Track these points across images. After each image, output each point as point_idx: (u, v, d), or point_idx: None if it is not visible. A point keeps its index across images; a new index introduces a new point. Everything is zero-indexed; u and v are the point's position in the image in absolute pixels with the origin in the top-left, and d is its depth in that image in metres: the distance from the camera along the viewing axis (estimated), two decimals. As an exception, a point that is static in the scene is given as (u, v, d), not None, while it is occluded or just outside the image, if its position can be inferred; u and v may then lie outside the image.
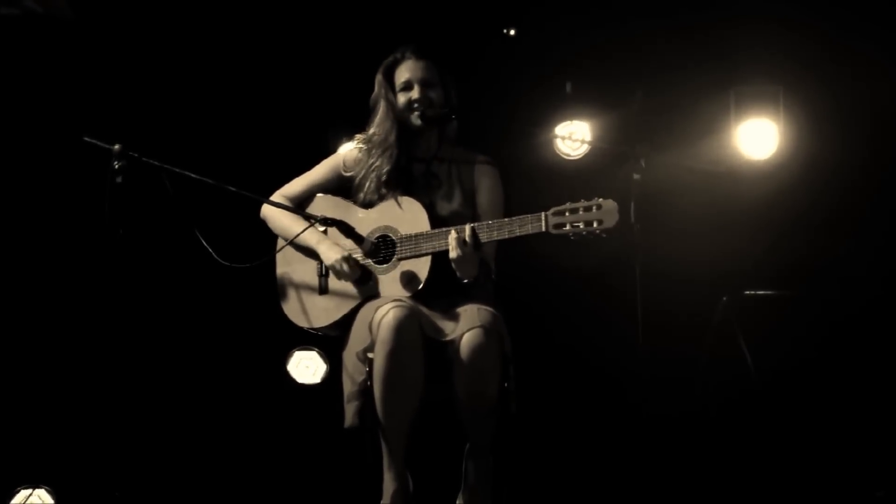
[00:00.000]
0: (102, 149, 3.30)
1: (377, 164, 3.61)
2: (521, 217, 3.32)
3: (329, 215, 3.52)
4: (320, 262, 3.61)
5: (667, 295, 4.33)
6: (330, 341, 3.72)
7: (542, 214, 3.29)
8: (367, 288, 3.51)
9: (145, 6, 4.77)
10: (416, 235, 3.46)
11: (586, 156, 4.92)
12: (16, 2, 4.29)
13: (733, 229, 4.83)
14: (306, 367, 5.00)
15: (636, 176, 3.67)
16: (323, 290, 3.60)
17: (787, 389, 4.75)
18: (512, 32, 5.07)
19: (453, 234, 3.33)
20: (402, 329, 3.28)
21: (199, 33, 4.86)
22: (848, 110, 4.83)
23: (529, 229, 3.30)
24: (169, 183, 3.34)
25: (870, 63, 4.78)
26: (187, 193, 3.42)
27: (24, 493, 4.53)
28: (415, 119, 3.60)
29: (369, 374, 3.38)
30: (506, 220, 3.35)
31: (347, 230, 3.46)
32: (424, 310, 3.39)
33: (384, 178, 3.57)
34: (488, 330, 3.30)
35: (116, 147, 3.29)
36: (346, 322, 3.54)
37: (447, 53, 3.68)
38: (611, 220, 3.22)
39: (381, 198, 3.57)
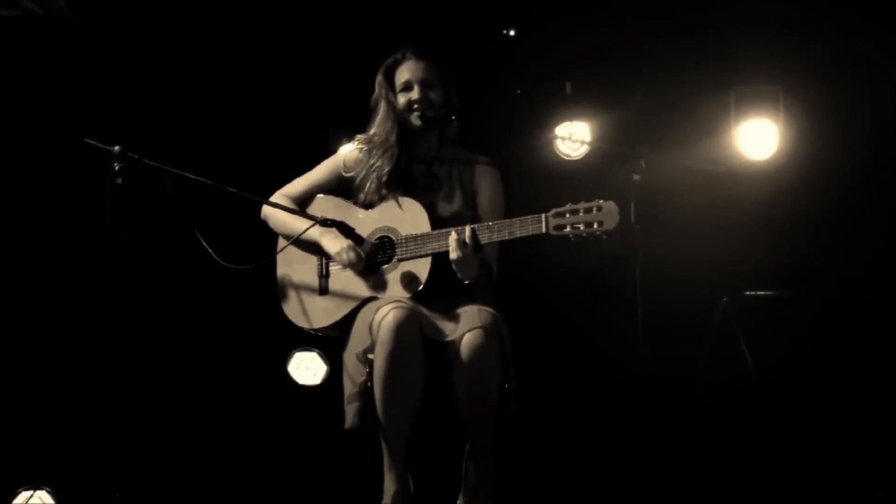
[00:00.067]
0: (103, 150, 3.30)
1: (378, 164, 3.61)
2: (521, 218, 3.32)
3: (329, 216, 3.52)
4: (321, 261, 3.61)
5: (667, 295, 4.33)
6: (330, 342, 3.73)
7: (543, 216, 3.29)
8: (374, 280, 3.50)
9: (145, 7, 4.77)
10: (417, 236, 3.46)
11: (586, 156, 4.93)
12: (16, 3, 4.29)
13: (733, 229, 4.84)
14: (307, 368, 5.00)
15: (636, 176, 3.67)
16: (323, 290, 3.60)
17: (787, 389, 4.75)
18: (512, 33, 5.07)
19: (453, 236, 3.33)
20: (403, 330, 3.28)
21: (199, 34, 4.86)
22: (848, 110, 4.83)
23: (530, 230, 3.30)
24: (169, 184, 3.34)
25: (870, 63, 4.78)
26: (187, 194, 3.42)
27: (25, 494, 4.53)
28: (415, 120, 3.60)
29: (370, 375, 3.38)
30: (506, 221, 3.35)
31: (347, 231, 3.46)
32: (425, 310, 3.39)
33: (385, 178, 3.58)
34: (488, 330, 3.30)
35: (116, 148, 3.29)
36: (346, 323, 3.54)
37: (447, 54, 3.68)
38: (611, 222, 3.22)
39: (382, 198, 3.57)
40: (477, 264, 3.36)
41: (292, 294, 3.66)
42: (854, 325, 4.75)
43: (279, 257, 3.69)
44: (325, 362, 4.98)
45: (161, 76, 4.86)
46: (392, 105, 3.63)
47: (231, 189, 3.44)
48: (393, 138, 3.61)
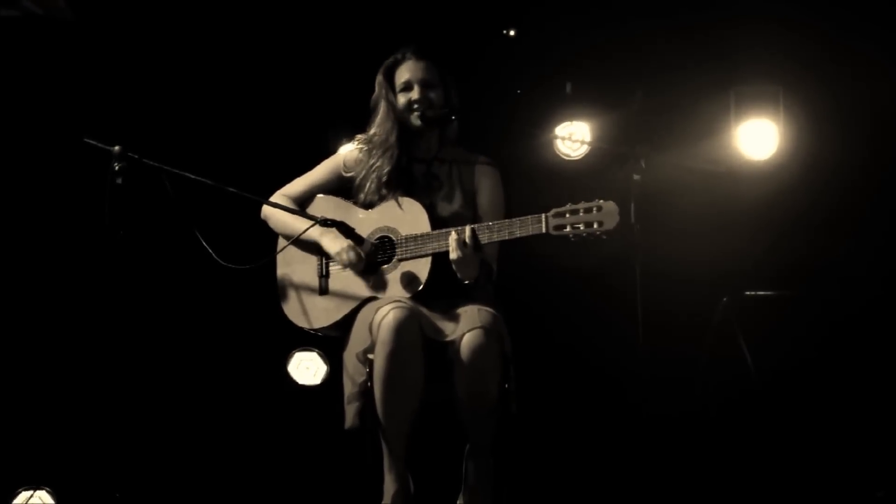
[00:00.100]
0: (103, 150, 3.30)
1: (378, 164, 3.61)
2: (521, 218, 3.32)
3: (329, 216, 3.52)
4: (321, 261, 3.61)
5: (667, 295, 4.33)
6: (330, 342, 3.73)
7: (543, 216, 3.29)
8: (374, 280, 3.51)
9: (145, 7, 4.77)
10: (417, 236, 3.46)
11: (586, 156, 4.93)
12: (15, 3, 4.29)
13: (733, 229, 4.84)
14: (307, 368, 5.00)
15: (636, 176, 3.67)
16: (323, 290, 3.60)
17: (787, 389, 4.75)
18: (512, 33, 5.07)
19: (453, 236, 3.33)
20: (403, 330, 3.28)
21: (199, 34, 4.86)
22: (848, 110, 4.83)
23: (530, 230, 3.30)
24: (169, 184, 3.34)
25: (870, 63, 4.78)
26: (187, 195, 3.42)
27: (25, 494, 4.53)
28: (415, 120, 3.60)
29: (370, 375, 3.38)
30: (506, 221, 3.35)
31: (347, 231, 3.46)
32: (424, 310, 3.38)
33: (385, 178, 3.58)
34: (488, 330, 3.30)
35: (117, 148, 3.29)
36: (346, 323, 3.54)
37: (447, 54, 3.68)
38: (611, 222, 3.22)
39: (382, 198, 3.57)
40: (477, 264, 3.36)
41: (292, 294, 3.66)
42: (854, 325, 4.75)
43: (279, 257, 3.69)
44: (325, 362, 4.98)
45: (161, 76, 4.86)
46: (392, 105, 3.63)
47: (231, 189, 3.44)
48: (393, 138, 3.61)
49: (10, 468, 4.62)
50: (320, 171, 3.73)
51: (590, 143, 4.88)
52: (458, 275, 3.36)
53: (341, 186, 3.69)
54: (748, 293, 4.85)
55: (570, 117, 4.91)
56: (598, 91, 4.96)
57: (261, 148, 4.93)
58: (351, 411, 3.43)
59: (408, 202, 3.52)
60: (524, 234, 3.31)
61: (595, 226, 3.24)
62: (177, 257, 4.65)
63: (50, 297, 4.76)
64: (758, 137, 4.86)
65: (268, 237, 3.73)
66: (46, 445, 4.69)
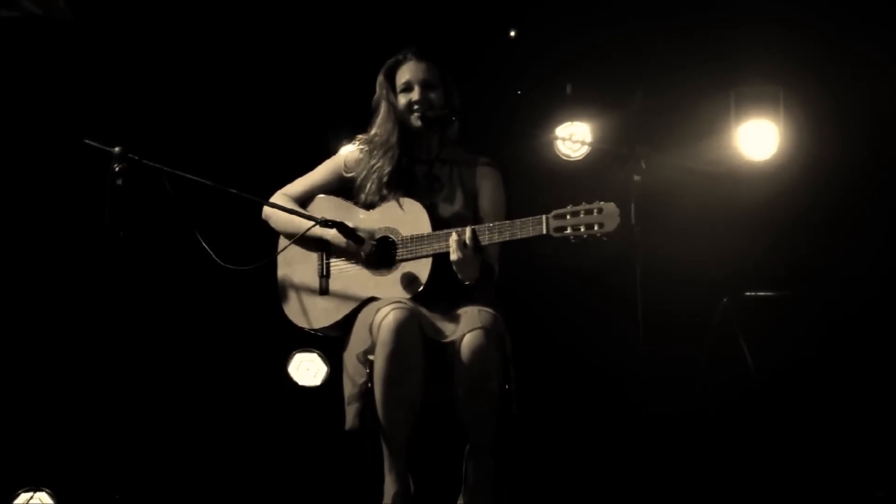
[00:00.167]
0: (103, 151, 3.30)
1: (378, 165, 3.61)
2: (521, 220, 3.32)
3: (330, 216, 3.52)
4: (322, 261, 3.62)
5: (667, 295, 4.33)
6: (330, 343, 3.73)
7: (543, 217, 3.29)
8: (375, 280, 3.50)
9: (145, 8, 4.77)
10: (417, 237, 3.46)
11: (586, 157, 4.92)
12: (16, 4, 4.29)
13: (733, 230, 4.83)
14: (307, 369, 5.00)
15: (636, 177, 3.67)
16: (323, 290, 3.61)
17: (787, 390, 4.75)
18: (512, 33, 5.07)
19: (454, 237, 3.33)
20: (403, 331, 3.28)
21: (199, 35, 4.86)
22: (848, 111, 4.83)
23: (530, 232, 3.30)
24: (169, 185, 3.34)
25: (870, 63, 4.77)
26: (188, 196, 3.42)
27: (25, 495, 4.53)
28: (415, 121, 3.60)
29: (370, 376, 3.38)
30: (506, 222, 3.35)
31: (348, 231, 3.46)
32: (425, 311, 3.39)
33: (385, 179, 3.58)
34: (489, 331, 3.30)
35: (117, 149, 3.29)
36: (346, 323, 3.54)
37: (448, 55, 3.68)
38: (612, 224, 3.23)
39: (383, 199, 3.58)
40: (477, 265, 3.36)
41: (293, 294, 3.66)
42: (854, 325, 4.75)
43: (280, 257, 3.69)
44: (326, 363, 4.98)
45: (161, 77, 4.86)
46: (393, 106, 3.63)
47: (231, 190, 3.44)
48: (394, 139, 3.61)
49: (10, 469, 4.62)
50: (321, 172, 3.73)
51: (590, 144, 4.88)
52: (459, 276, 3.37)
53: (342, 187, 3.69)
54: (748, 293, 4.85)
55: (571, 118, 4.91)
56: (598, 91, 4.96)
57: (261, 149, 4.93)
58: (351, 412, 3.43)
59: (409, 203, 3.52)
60: (525, 236, 3.31)
61: (596, 228, 3.24)
62: (177, 258, 4.65)
63: (50, 297, 4.76)
64: (758, 138, 4.86)
65: (268, 238, 3.73)
66: (46, 446, 4.69)
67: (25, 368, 4.72)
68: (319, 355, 4.99)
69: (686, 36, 4.94)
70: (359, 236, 3.47)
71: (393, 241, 3.51)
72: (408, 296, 3.43)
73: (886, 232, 4.81)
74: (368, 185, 3.61)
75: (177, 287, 4.88)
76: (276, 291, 3.70)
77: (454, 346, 3.31)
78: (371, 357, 3.36)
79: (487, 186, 3.64)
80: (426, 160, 3.66)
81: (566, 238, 3.27)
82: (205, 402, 4.91)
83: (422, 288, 3.43)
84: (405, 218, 3.51)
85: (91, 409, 4.55)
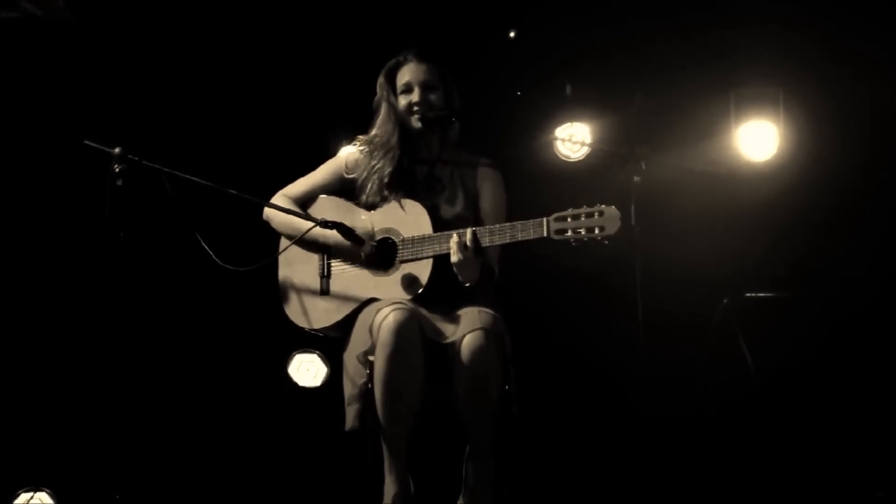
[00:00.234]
0: (103, 152, 3.30)
1: (379, 166, 3.61)
2: (522, 222, 3.32)
3: (331, 217, 3.53)
4: (323, 261, 3.62)
5: (667, 296, 4.33)
6: (331, 344, 3.73)
7: (544, 220, 3.29)
8: (375, 281, 3.50)
9: (145, 8, 4.76)
10: (418, 238, 3.46)
11: (586, 158, 4.92)
12: (15, 4, 4.29)
13: (733, 230, 4.83)
14: (307, 369, 5.00)
15: (636, 178, 3.67)
16: (324, 291, 3.61)
17: (787, 390, 4.75)
18: (512, 34, 5.07)
19: (454, 238, 3.33)
20: (403, 331, 3.28)
21: (199, 36, 4.86)
22: (848, 111, 4.82)
23: (531, 234, 3.30)
24: (169, 186, 3.34)
25: (870, 64, 4.77)
26: (188, 196, 3.42)
27: (25, 495, 4.53)
28: (415, 122, 3.60)
29: (370, 377, 3.38)
30: (507, 224, 3.35)
31: (347, 232, 3.46)
32: (425, 312, 3.39)
33: (386, 180, 3.58)
34: (489, 332, 3.30)
35: (117, 150, 3.30)
36: (346, 323, 3.55)
37: (448, 55, 3.68)
38: (612, 227, 3.23)
39: (384, 200, 3.58)
40: (478, 267, 3.36)
41: (293, 294, 3.66)
42: (854, 325, 4.75)
43: (281, 258, 3.69)
44: (326, 364, 4.98)
45: (161, 78, 4.86)
46: (393, 107, 3.63)
47: (231, 191, 3.44)
48: (394, 140, 3.61)
49: (10, 469, 4.62)
50: (322, 173, 3.73)
51: (590, 145, 4.88)
52: (459, 277, 3.37)
53: (343, 188, 3.70)
54: (748, 294, 4.85)
55: (570, 119, 4.91)
56: (598, 92, 4.95)
57: (261, 149, 4.93)
58: (351, 413, 3.43)
59: (410, 204, 3.53)
60: (525, 238, 3.32)
61: (596, 231, 3.24)
62: (177, 259, 4.65)
63: (50, 298, 4.76)
64: (758, 139, 4.86)
65: (268, 239, 3.73)
66: (46, 446, 4.69)
67: (25, 368, 4.72)
68: (319, 356, 4.99)
69: (686, 36, 4.93)
70: (359, 237, 3.48)
71: (393, 242, 3.51)
72: (408, 297, 3.43)
73: (886, 232, 4.81)
74: (369, 186, 3.61)
75: (177, 288, 4.88)
76: (277, 292, 3.71)
77: (454, 346, 3.32)
78: (371, 358, 3.36)
79: (488, 188, 3.64)
80: (427, 161, 3.67)
81: (567, 241, 3.27)
82: (205, 402, 4.91)
83: (422, 289, 3.43)
84: (406, 219, 3.51)
85: (91, 409, 4.54)
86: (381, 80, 3.66)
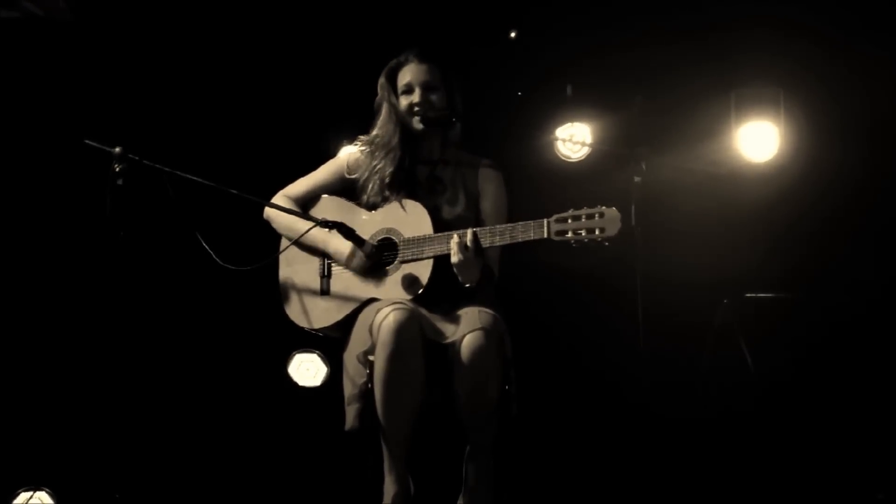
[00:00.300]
0: (103, 151, 3.30)
1: (380, 166, 3.61)
2: (523, 223, 3.32)
3: (333, 216, 3.52)
4: (323, 261, 3.62)
5: (668, 296, 4.32)
6: (331, 343, 3.73)
7: (545, 221, 3.29)
8: (375, 281, 3.51)
9: (145, 8, 4.76)
10: (419, 239, 3.46)
11: (587, 158, 4.92)
12: (16, 4, 4.29)
13: (734, 232, 4.83)
14: (307, 369, 5.00)
15: (637, 178, 3.66)
16: (324, 291, 3.61)
17: (788, 391, 4.75)
18: (512, 35, 5.07)
19: (455, 239, 3.33)
20: (403, 331, 3.28)
21: (199, 36, 4.86)
22: (848, 112, 4.82)
23: (531, 235, 3.30)
24: (170, 185, 3.34)
25: (870, 64, 4.77)
26: (188, 196, 3.42)
27: (24, 494, 4.53)
28: (416, 124, 3.60)
29: (370, 377, 3.38)
30: (508, 225, 3.35)
31: (348, 232, 3.46)
32: (425, 312, 3.39)
33: (388, 180, 3.58)
34: (489, 332, 3.30)
35: (117, 150, 3.29)
36: (346, 323, 3.55)
37: (449, 56, 3.68)
38: (613, 229, 3.23)
39: (385, 200, 3.58)
40: (478, 268, 3.36)
41: (294, 294, 3.66)
42: (855, 326, 4.74)
43: (281, 258, 3.69)
44: (326, 364, 4.98)
45: (162, 77, 4.86)
46: (394, 107, 3.63)
47: (232, 190, 3.44)
48: (395, 140, 3.61)
49: (10, 468, 4.62)
50: (322, 173, 3.73)
51: (590, 145, 4.88)
52: (459, 278, 3.37)
53: (344, 188, 3.69)
54: (749, 295, 4.85)
55: (571, 119, 4.92)
56: (598, 93, 4.96)
57: (261, 149, 4.93)
58: (351, 413, 3.43)
59: (411, 205, 3.53)
60: (525, 239, 3.31)
61: (597, 232, 3.24)
62: (177, 259, 4.65)
63: (51, 297, 4.76)
64: (758, 139, 4.85)
65: (269, 238, 3.73)
66: (46, 445, 4.69)
67: (26, 368, 4.72)
68: (319, 356, 4.99)
69: (686, 37, 4.93)
70: (359, 237, 3.47)
71: (394, 242, 3.51)
72: (408, 297, 3.43)
73: (887, 233, 4.80)
74: (370, 186, 3.61)
75: (177, 287, 4.88)
76: (277, 292, 3.71)
77: (454, 346, 3.32)
78: (371, 358, 3.36)
79: (490, 189, 3.64)
80: (428, 162, 3.66)
81: (567, 242, 3.27)
82: (205, 402, 4.91)
83: (422, 289, 3.43)
84: (407, 219, 3.51)
85: (91, 409, 4.54)
86: (382, 80, 3.66)
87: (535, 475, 4.65)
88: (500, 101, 4.99)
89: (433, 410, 3.40)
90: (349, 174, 3.69)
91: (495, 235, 3.34)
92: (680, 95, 4.92)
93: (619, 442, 4.64)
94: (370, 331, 3.36)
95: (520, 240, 3.32)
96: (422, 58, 3.61)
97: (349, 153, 3.76)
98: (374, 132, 3.67)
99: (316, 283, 3.63)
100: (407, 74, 3.61)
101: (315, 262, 3.64)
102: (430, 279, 3.42)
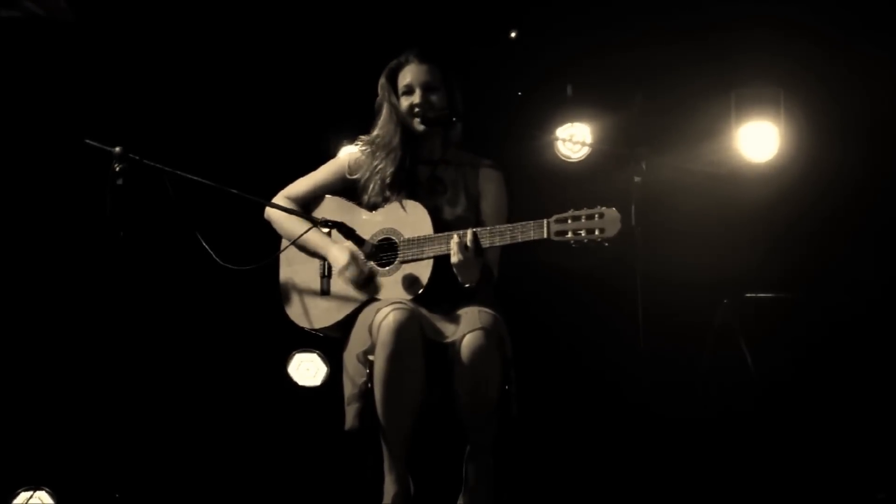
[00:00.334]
0: (103, 151, 3.30)
1: (381, 166, 3.61)
2: (522, 223, 3.32)
3: (333, 216, 3.52)
4: (324, 262, 3.62)
5: (668, 296, 4.32)
6: (330, 343, 3.73)
7: (544, 221, 3.29)
8: (369, 290, 3.52)
9: (146, 8, 4.77)
10: (419, 239, 3.46)
11: (587, 158, 4.92)
12: (16, 4, 4.29)
13: (734, 231, 4.83)
14: (307, 369, 5.00)
15: (637, 178, 3.66)
16: (325, 291, 3.61)
17: (788, 391, 4.75)
18: (513, 35, 5.07)
19: (455, 239, 3.33)
20: (403, 331, 3.28)
21: (200, 35, 4.86)
22: (848, 112, 4.82)
23: (531, 235, 3.30)
24: (170, 185, 3.34)
25: (870, 65, 4.77)
26: (188, 196, 3.42)
27: (24, 494, 4.54)
28: (417, 125, 3.59)
29: (370, 377, 3.38)
30: (507, 225, 3.35)
31: (348, 232, 3.46)
32: (425, 312, 3.39)
33: (388, 180, 3.58)
34: (489, 332, 3.30)
35: (117, 149, 3.29)
36: (347, 323, 3.55)
37: (449, 56, 3.68)
38: (613, 229, 3.23)
39: (386, 200, 3.58)
40: (478, 268, 3.36)
41: (294, 294, 3.66)
42: (855, 326, 4.75)
43: (282, 258, 3.70)
44: (326, 363, 4.98)
45: (162, 77, 4.86)
46: (395, 108, 3.63)
47: (232, 190, 3.44)
48: (396, 141, 3.61)
49: (10, 468, 4.62)
50: (323, 173, 3.73)
51: (590, 145, 4.88)
52: (459, 278, 3.37)
53: (345, 189, 3.69)
54: (749, 295, 4.85)
55: (571, 119, 4.92)
56: (598, 93, 4.96)
57: (261, 149, 4.93)
58: (351, 412, 3.43)
59: (412, 205, 3.53)
60: (525, 239, 3.31)
61: (597, 232, 3.24)
62: (178, 258, 4.65)
63: (51, 297, 4.76)
64: (758, 139, 4.86)
65: (269, 238, 3.73)
66: (46, 445, 4.69)
67: (26, 368, 4.72)
68: (319, 355, 5.00)
69: (686, 37, 4.93)
70: (359, 237, 3.47)
71: (394, 242, 3.52)
72: (408, 297, 3.43)
73: (887, 233, 4.80)
74: (371, 187, 3.61)
75: (177, 287, 4.88)
76: (277, 292, 3.71)
77: (454, 346, 3.32)
78: (371, 357, 3.36)
79: (491, 189, 3.64)
80: (429, 162, 3.66)
81: (567, 242, 3.27)
82: (205, 401, 4.91)
83: (422, 289, 3.43)
84: (407, 219, 3.51)
85: (91, 409, 4.54)
86: (382, 80, 3.65)
87: (535, 475, 4.65)
88: (500, 101, 4.99)
89: (433, 410, 3.40)
90: (350, 175, 3.69)
91: (495, 236, 3.34)
92: (680, 95, 4.92)
93: (619, 442, 4.64)
94: (370, 331, 3.36)
95: (519, 240, 3.32)
96: (422, 58, 3.60)
97: (350, 154, 3.75)
98: (375, 132, 3.67)
99: (316, 283, 3.63)
100: (407, 75, 3.61)
101: (316, 263, 3.65)
102: (430, 279, 3.42)
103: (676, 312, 4.64)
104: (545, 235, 3.28)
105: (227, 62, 4.92)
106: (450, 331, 3.34)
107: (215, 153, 4.76)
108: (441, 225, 3.47)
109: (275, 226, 3.70)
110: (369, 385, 3.38)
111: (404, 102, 3.61)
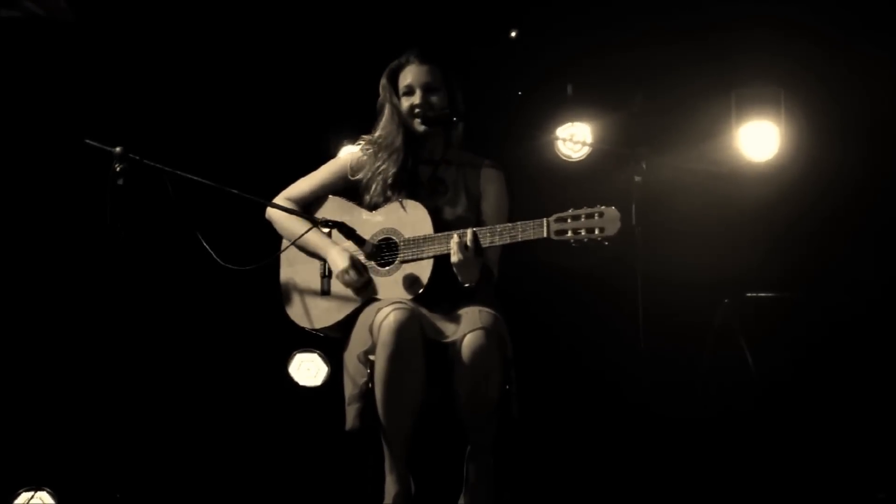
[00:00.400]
0: (104, 151, 3.30)
1: (383, 167, 3.61)
2: (522, 223, 3.32)
3: (334, 216, 3.53)
4: (324, 262, 3.62)
5: (668, 296, 4.33)
6: (331, 343, 3.73)
7: (544, 220, 3.29)
8: (367, 293, 3.52)
9: (146, 8, 4.77)
10: (419, 239, 3.46)
11: (587, 158, 4.92)
12: (16, 4, 4.29)
13: (734, 231, 4.83)
14: (307, 369, 5.00)
15: (637, 178, 3.66)
16: (325, 291, 3.61)
17: (788, 391, 4.75)
18: (513, 34, 5.07)
19: (455, 239, 3.33)
20: (403, 331, 3.28)
21: (200, 36, 4.86)
22: (848, 111, 4.82)
23: (531, 235, 3.30)
24: (170, 185, 3.34)
25: (870, 65, 4.77)
26: (189, 196, 3.42)
27: (25, 494, 4.54)
28: (418, 126, 3.59)
29: (370, 377, 3.38)
30: (507, 225, 3.35)
31: (348, 232, 3.47)
32: (425, 312, 3.39)
33: (390, 181, 3.58)
34: (489, 332, 3.30)
35: (118, 149, 3.29)
36: (347, 323, 3.55)
37: (450, 56, 3.68)
38: (612, 228, 3.23)
39: (387, 200, 3.58)
40: (478, 268, 3.36)
41: (295, 294, 3.66)
42: (855, 325, 4.75)
43: (283, 258, 3.70)
44: (326, 363, 4.98)
45: (162, 77, 4.86)
46: (396, 108, 3.63)
47: (232, 190, 3.44)
48: (398, 141, 3.61)
49: (10, 468, 4.62)
50: (324, 173, 3.73)
51: (591, 145, 4.88)
52: (459, 278, 3.37)
53: (346, 189, 3.69)
54: (749, 295, 4.85)
55: (571, 119, 4.92)
56: (599, 93, 4.96)
57: (262, 149, 4.93)
58: (352, 412, 3.43)
59: (412, 205, 3.53)
60: (525, 239, 3.31)
61: (597, 232, 3.24)
62: (178, 258, 4.65)
63: (51, 297, 4.76)
64: (759, 139, 4.86)
65: (269, 239, 3.73)
66: (46, 446, 4.69)
67: (26, 368, 4.72)
68: (320, 355, 5.00)
69: (687, 37, 4.93)
70: (359, 237, 3.48)
71: (394, 242, 3.52)
72: (409, 297, 3.43)
73: (887, 233, 4.80)
74: (373, 187, 3.61)
75: (178, 287, 4.88)
76: (277, 292, 3.71)
77: (455, 346, 3.32)
78: (372, 357, 3.36)
79: (491, 189, 3.64)
80: (431, 162, 3.67)
81: (566, 241, 3.27)
82: (205, 401, 4.91)
83: (423, 289, 3.43)
84: (408, 219, 3.51)
85: (91, 409, 4.55)
86: (383, 81, 3.65)
87: (535, 475, 4.65)
88: (500, 101, 4.99)
89: (433, 410, 3.40)
90: (353, 175, 3.69)
91: (495, 235, 3.34)
92: (680, 95, 4.92)
93: (619, 442, 4.64)
94: (370, 330, 3.36)
95: (519, 239, 3.32)
96: (422, 59, 3.61)
97: (352, 154, 3.75)
98: (378, 133, 3.67)
99: (317, 283, 3.63)
100: (408, 76, 3.61)
101: (316, 263, 3.65)
102: (431, 279, 3.42)
103: (676, 312, 4.64)
104: (545, 235, 3.28)
105: (227, 62, 4.92)
106: (450, 330, 3.34)
107: (215, 153, 4.76)
108: (441, 225, 3.47)
109: (276, 226, 3.71)
110: (370, 385, 3.38)
111: (405, 103, 3.61)
